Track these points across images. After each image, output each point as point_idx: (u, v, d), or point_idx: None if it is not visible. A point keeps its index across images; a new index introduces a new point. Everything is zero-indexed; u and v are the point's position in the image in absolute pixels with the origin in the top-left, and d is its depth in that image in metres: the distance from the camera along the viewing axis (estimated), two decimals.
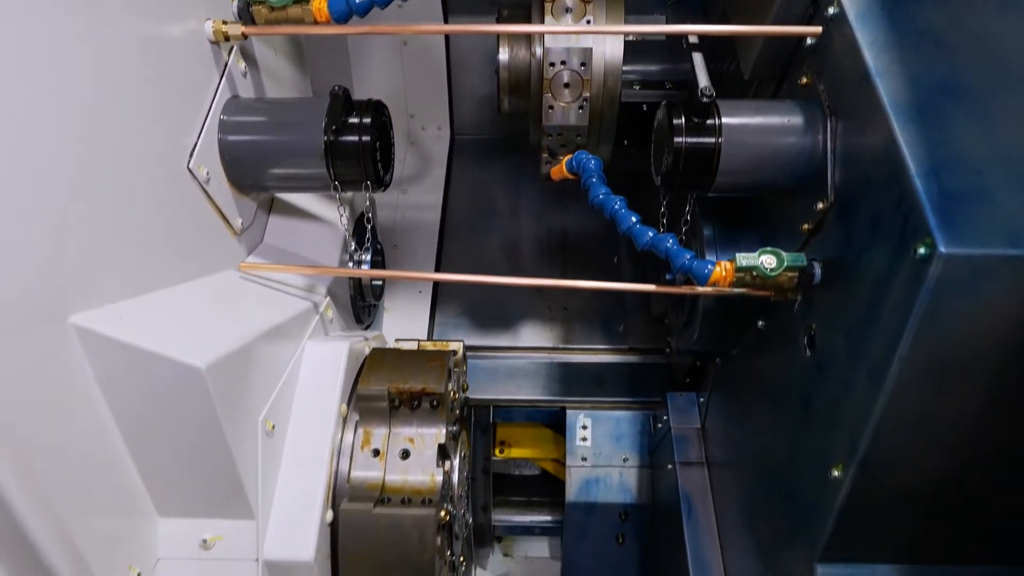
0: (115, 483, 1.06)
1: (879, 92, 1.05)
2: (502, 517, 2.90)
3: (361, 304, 1.87)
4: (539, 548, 2.93)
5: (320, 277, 1.57)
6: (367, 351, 1.47)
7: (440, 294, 2.78)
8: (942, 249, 0.88)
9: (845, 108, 1.19)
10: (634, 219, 1.39)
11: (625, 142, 2.04)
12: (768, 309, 1.57)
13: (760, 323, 1.60)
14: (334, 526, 1.23)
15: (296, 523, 1.18)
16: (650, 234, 1.37)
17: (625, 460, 2.48)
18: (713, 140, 1.30)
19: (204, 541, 1.14)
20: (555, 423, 2.57)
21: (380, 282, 2.00)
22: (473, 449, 2.58)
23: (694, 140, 1.31)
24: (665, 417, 2.24)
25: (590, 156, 1.53)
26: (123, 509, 1.07)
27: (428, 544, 1.19)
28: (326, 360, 1.35)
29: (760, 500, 1.65)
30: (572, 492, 2.48)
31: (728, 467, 1.95)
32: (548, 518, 2.88)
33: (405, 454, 1.32)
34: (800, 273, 1.29)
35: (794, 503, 1.40)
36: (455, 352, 1.64)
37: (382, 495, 1.25)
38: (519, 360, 2.64)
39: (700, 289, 1.43)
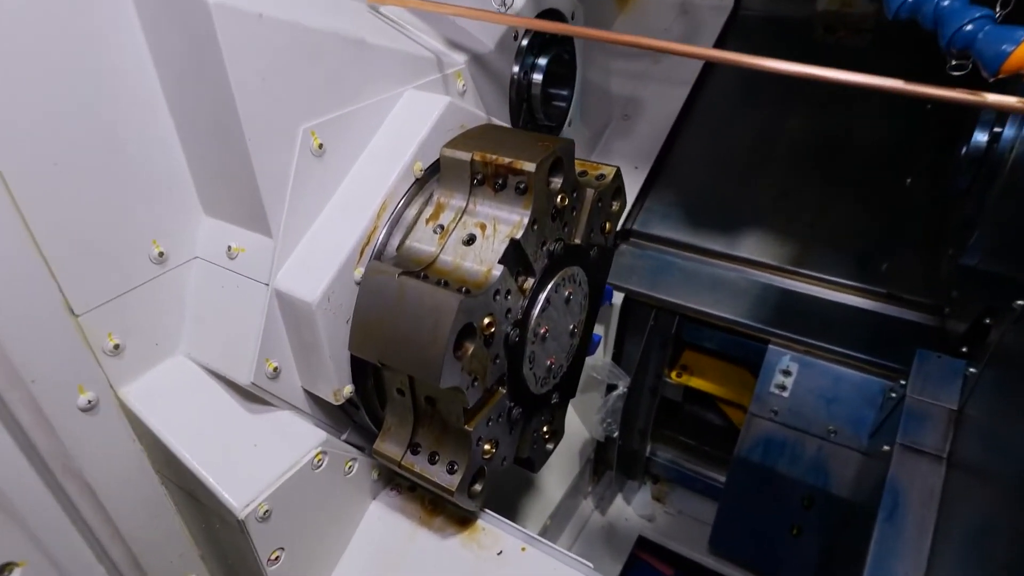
0: (164, 160, 0.99)
1: None
2: (663, 454, 2.47)
3: (526, 118, 1.58)
4: (699, 509, 2.43)
5: (468, 40, 1.32)
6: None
7: (661, 174, 2.35)
8: None
9: None
10: None
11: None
12: None
13: None
14: None
15: (316, 262, 1.00)
16: None
17: (832, 432, 1.84)
18: None
19: (229, 248, 1.03)
20: (756, 365, 2.01)
21: (562, 101, 1.67)
22: (643, 359, 2.18)
23: None
24: (903, 383, 1.55)
25: None
26: (169, 191, 1.01)
27: (440, 336, 0.90)
28: (419, 108, 1.11)
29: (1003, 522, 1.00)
30: (745, 446, 1.94)
31: (984, 474, 1.25)
32: (719, 478, 2.36)
33: (470, 239, 1.04)
34: None
35: None
36: (602, 175, 1.27)
37: (424, 271, 1.00)
38: (730, 271, 2.11)
39: (990, 99, 0.82)
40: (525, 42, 1.48)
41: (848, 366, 1.87)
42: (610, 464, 2.38)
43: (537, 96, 1.55)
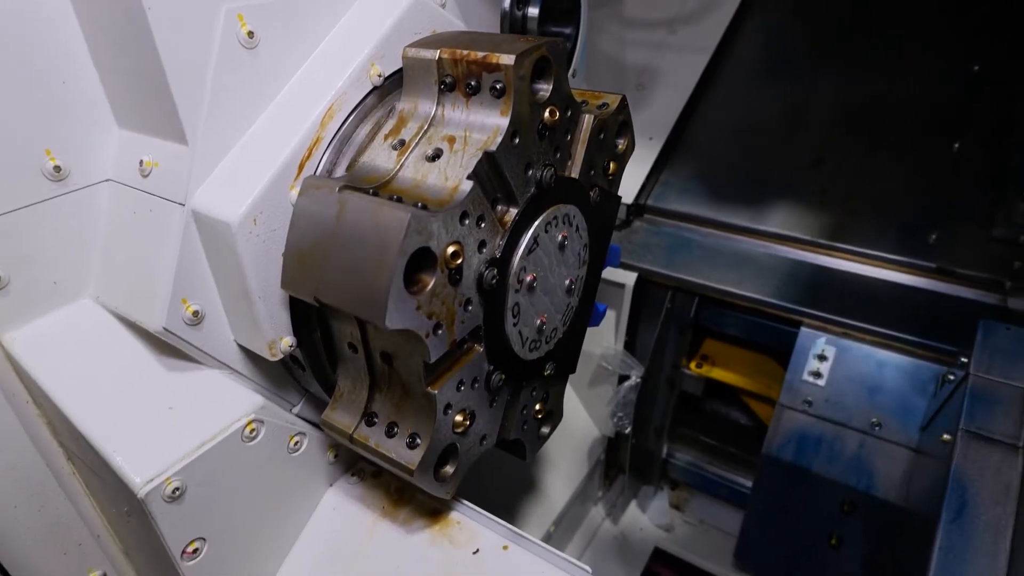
0: (55, 53, 0.81)
1: None
2: (682, 456, 2.23)
3: None
4: (723, 517, 2.19)
5: None
6: None
7: (679, 145, 2.14)
8: None
9: None
10: None
11: None
12: None
13: None
14: None
15: (242, 176, 0.81)
16: None
17: (875, 425, 1.60)
18: None
19: (141, 163, 0.85)
20: (786, 354, 1.78)
21: (569, 43, 1.47)
22: (658, 347, 1.96)
23: None
24: (964, 360, 1.31)
25: None
26: (65, 90, 0.83)
27: (386, 261, 0.70)
28: (380, 4, 0.92)
29: None
30: (775, 443, 1.70)
31: None
32: (746, 483, 2.12)
33: (436, 154, 0.84)
34: None
35: None
36: (605, 103, 1.07)
37: (375, 188, 0.80)
38: (756, 247, 1.89)
39: None
40: None
41: (893, 349, 1.63)
42: (623, 467, 2.14)
43: (533, 33, 1.35)
